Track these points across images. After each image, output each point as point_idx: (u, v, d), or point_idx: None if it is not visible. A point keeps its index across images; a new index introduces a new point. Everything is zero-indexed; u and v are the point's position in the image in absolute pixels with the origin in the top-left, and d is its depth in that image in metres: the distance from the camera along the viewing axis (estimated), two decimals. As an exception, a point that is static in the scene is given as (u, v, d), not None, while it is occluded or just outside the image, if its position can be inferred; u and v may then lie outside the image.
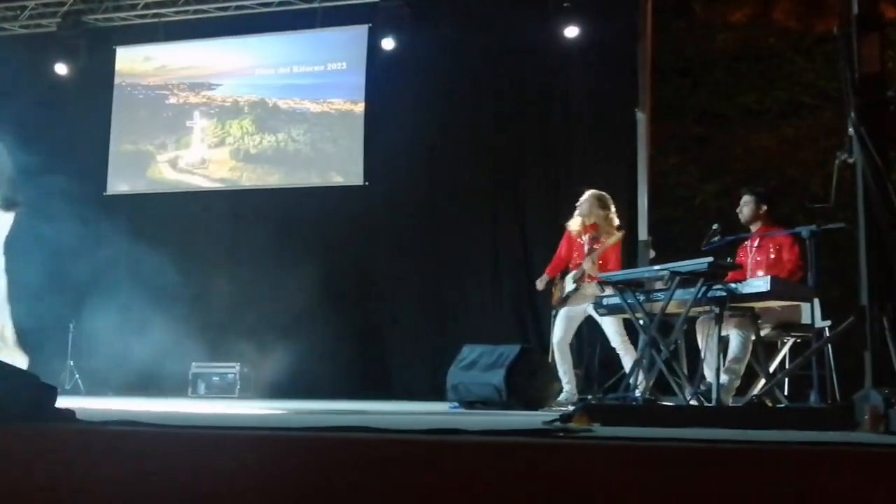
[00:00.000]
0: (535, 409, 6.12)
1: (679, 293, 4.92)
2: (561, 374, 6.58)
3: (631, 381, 5.25)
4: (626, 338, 6.39)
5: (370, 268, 9.60)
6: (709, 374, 5.13)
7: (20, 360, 5.37)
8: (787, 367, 5.50)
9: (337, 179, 9.80)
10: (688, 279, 4.92)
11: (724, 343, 5.20)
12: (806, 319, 5.44)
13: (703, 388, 5.01)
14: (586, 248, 6.66)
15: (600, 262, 6.59)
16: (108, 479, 2.10)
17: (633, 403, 4.84)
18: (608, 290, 5.79)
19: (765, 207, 5.76)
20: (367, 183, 9.54)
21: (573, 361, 6.70)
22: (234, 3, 10.00)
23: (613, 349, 6.48)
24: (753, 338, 5.22)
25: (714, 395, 4.83)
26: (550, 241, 8.74)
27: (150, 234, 9.27)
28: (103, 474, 2.11)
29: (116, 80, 10.52)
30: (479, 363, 6.53)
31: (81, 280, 8.94)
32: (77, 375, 9.04)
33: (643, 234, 8.14)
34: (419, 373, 9.04)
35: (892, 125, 3.71)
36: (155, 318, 8.62)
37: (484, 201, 9.29)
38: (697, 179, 8.62)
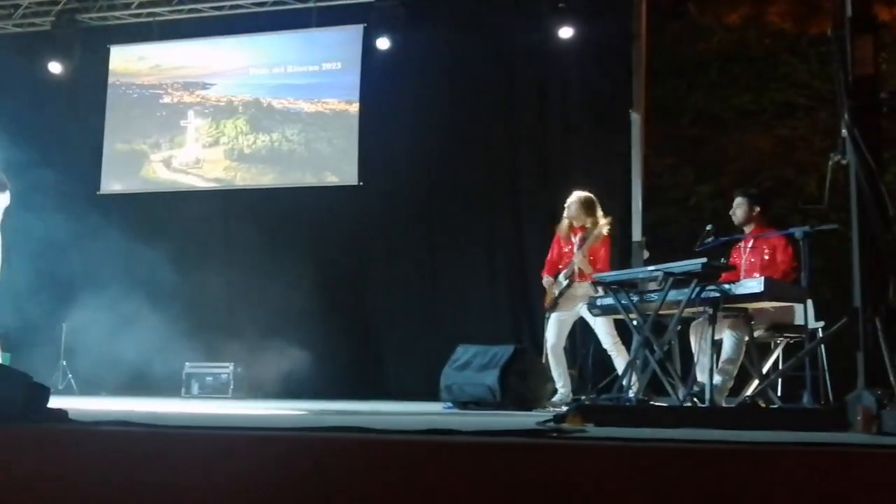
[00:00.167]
0: (529, 410, 6.12)
1: (673, 294, 4.92)
2: (555, 377, 6.59)
3: (624, 381, 5.26)
4: (618, 339, 6.39)
5: (364, 268, 9.59)
6: (702, 374, 5.13)
7: None
8: (780, 367, 5.51)
9: (331, 179, 9.78)
10: (682, 280, 4.92)
11: (717, 344, 5.21)
12: (799, 320, 5.46)
13: (696, 388, 5.01)
14: (576, 247, 6.67)
15: (590, 257, 6.59)
16: (101, 479, 2.09)
17: (627, 404, 4.84)
18: (601, 291, 5.79)
19: (758, 209, 5.77)
20: (361, 183, 9.53)
21: (567, 362, 6.71)
22: (228, 3, 9.98)
23: (606, 350, 6.48)
24: (747, 339, 5.23)
25: (707, 396, 4.84)
26: (545, 242, 8.74)
27: (143, 234, 9.25)
28: (96, 474, 2.11)
29: (110, 80, 10.49)
30: (473, 364, 6.53)
31: (74, 280, 8.92)
32: (70, 375, 9.01)
33: (637, 234, 8.15)
34: (413, 373, 9.04)
35: (886, 127, 3.72)
36: (148, 318, 8.60)
37: (479, 202, 9.29)
38: (692, 180, 8.64)
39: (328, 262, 9.51)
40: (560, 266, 6.83)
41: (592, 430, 3.05)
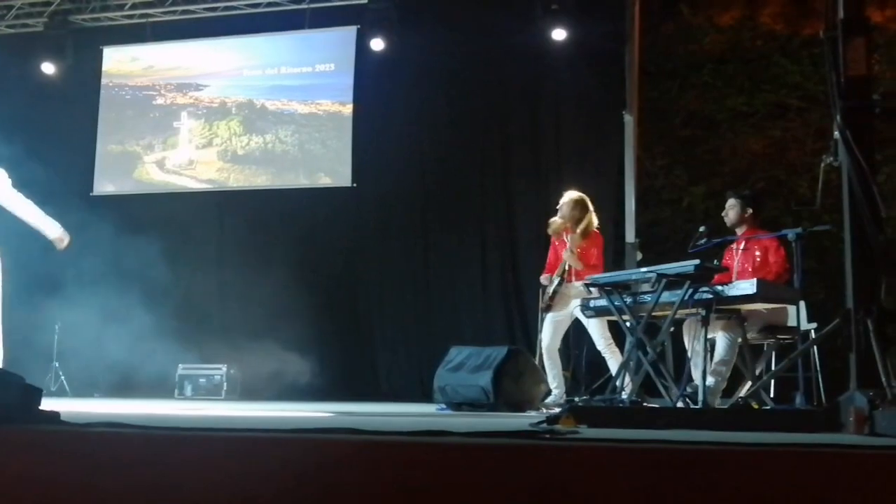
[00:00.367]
0: (522, 411, 6.12)
1: (666, 295, 4.93)
2: (550, 378, 6.59)
3: (618, 383, 5.27)
4: (611, 341, 6.40)
5: (358, 269, 9.59)
6: (695, 376, 5.14)
7: None
8: (772, 369, 5.52)
9: (325, 181, 9.78)
10: (674, 281, 4.93)
11: (710, 345, 5.22)
12: (792, 322, 5.47)
13: (689, 389, 5.02)
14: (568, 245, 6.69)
15: (581, 255, 6.59)
16: (93, 481, 2.09)
17: (620, 405, 4.85)
18: (595, 292, 5.79)
19: (750, 210, 5.78)
20: (355, 184, 9.53)
21: (561, 364, 6.71)
22: (221, 4, 9.97)
23: (600, 352, 6.49)
24: (740, 340, 5.24)
25: (700, 397, 4.85)
26: (539, 244, 8.76)
27: (136, 236, 9.21)
28: (88, 476, 2.10)
29: (103, 81, 10.47)
30: (467, 365, 6.53)
31: (67, 281, 8.89)
32: (62, 377, 8.99)
33: (630, 236, 8.16)
34: (406, 374, 9.04)
35: (878, 129, 3.73)
36: (141, 319, 8.57)
37: (472, 203, 9.29)
38: (685, 181, 8.65)
39: (322, 264, 9.52)
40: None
41: (585, 431, 3.05)
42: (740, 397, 4.99)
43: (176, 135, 10.27)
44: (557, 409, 5.14)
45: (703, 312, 4.88)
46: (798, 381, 5.27)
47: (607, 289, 5.33)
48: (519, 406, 6.25)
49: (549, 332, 6.64)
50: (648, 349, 5.00)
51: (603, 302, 5.46)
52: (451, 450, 2.11)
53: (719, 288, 4.93)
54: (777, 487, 1.80)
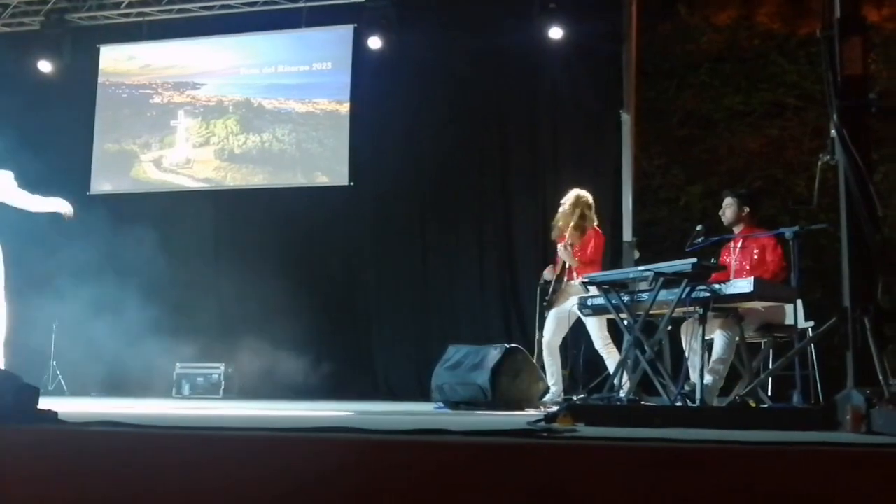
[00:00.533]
0: (520, 410, 6.12)
1: (663, 294, 4.94)
2: (549, 374, 6.59)
3: (615, 381, 5.27)
4: (609, 340, 6.40)
5: (355, 268, 9.59)
6: (693, 374, 5.15)
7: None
8: (770, 367, 5.53)
9: (322, 179, 9.77)
10: (672, 280, 4.94)
11: (707, 344, 5.23)
12: (789, 320, 5.48)
13: (686, 388, 5.03)
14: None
15: (578, 250, 6.60)
16: (90, 480, 2.09)
17: (618, 404, 4.85)
18: (593, 290, 5.79)
19: (747, 209, 5.79)
20: (352, 183, 9.52)
21: (561, 362, 6.71)
22: (218, 3, 9.96)
23: (597, 350, 6.49)
24: (737, 338, 5.24)
25: (698, 396, 4.85)
26: (536, 243, 8.78)
27: (133, 235, 9.21)
28: (85, 475, 2.10)
29: (100, 79, 10.46)
30: (464, 363, 6.53)
31: (64, 280, 8.88)
32: (60, 376, 8.98)
33: (628, 234, 8.16)
34: (404, 373, 9.04)
35: (875, 127, 3.73)
36: (139, 318, 8.57)
37: (469, 202, 9.29)
38: (682, 180, 8.66)
39: (319, 263, 9.51)
40: None
41: (583, 429, 3.06)
42: (738, 396, 4.99)
43: (173, 133, 10.26)
44: (555, 408, 5.15)
45: (700, 311, 4.88)
46: (795, 380, 5.28)
47: (605, 287, 5.33)
48: (517, 404, 6.25)
49: (551, 328, 6.63)
50: (646, 348, 5.01)
51: (600, 300, 5.46)
52: (449, 448, 2.11)
53: (717, 286, 4.93)
54: (774, 485, 1.81)
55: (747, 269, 5.61)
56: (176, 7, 10.09)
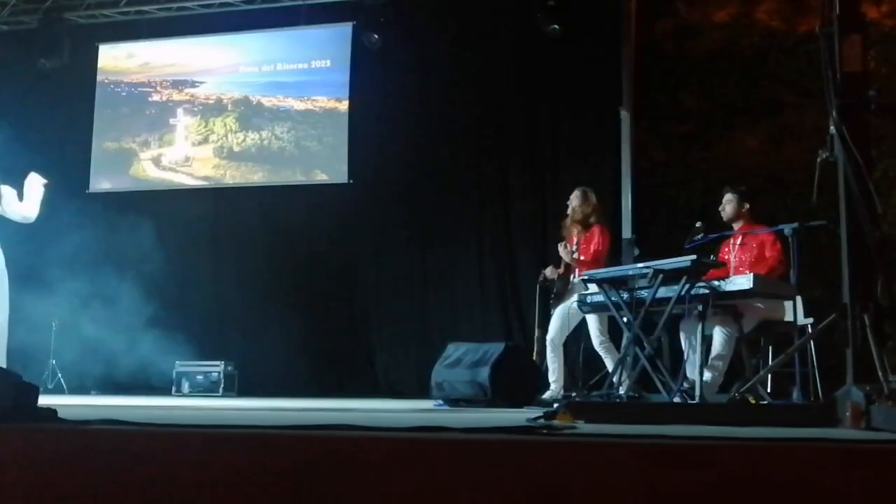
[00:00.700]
0: (520, 407, 6.12)
1: (663, 291, 4.94)
2: (550, 371, 6.57)
3: (615, 378, 5.28)
4: (608, 338, 6.40)
5: (355, 266, 9.59)
6: (692, 371, 5.15)
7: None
8: (769, 364, 5.53)
9: (321, 177, 9.77)
10: (671, 277, 4.94)
11: (707, 340, 5.23)
12: (788, 317, 5.48)
13: (686, 385, 5.03)
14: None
15: (583, 245, 6.61)
16: (90, 478, 2.09)
17: (617, 401, 4.86)
18: (592, 287, 5.80)
19: (747, 205, 5.80)
20: (351, 181, 9.52)
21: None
22: (217, 1, 9.95)
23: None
24: (736, 335, 5.25)
25: (697, 392, 4.86)
26: (535, 240, 8.79)
27: (132, 233, 9.21)
28: (85, 474, 2.10)
29: (99, 78, 10.45)
30: (464, 361, 6.53)
31: (64, 278, 8.88)
32: (59, 374, 8.98)
33: (627, 232, 8.17)
34: (404, 371, 9.05)
35: (874, 124, 3.73)
36: (139, 316, 8.58)
37: (469, 199, 9.29)
38: (681, 177, 8.65)
39: (318, 261, 9.51)
40: None
41: (583, 426, 3.06)
42: (737, 392, 5.00)
43: (172, 132, 10.25)
44: (555, 405, 5.15)
45: (699, 308, 4.89)
46: (795, 377, 5.28)
47: (604, 284, 5.34)
48: (516, 401, 6.25)
49: (557, 324, 6.63)
50: (645, 344, 5.01)
51: (600, 297, 5.46)
52: (448, 446, 2.11)
53: (716, 283, 4.94)
54: (774, 482, 1.81)
55: (746, 265, 5.62)
56: (175, 5, 10.09)
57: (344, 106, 9.68)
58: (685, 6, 8.98)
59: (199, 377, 8.96)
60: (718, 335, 5.28)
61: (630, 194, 8.31)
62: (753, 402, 4.95)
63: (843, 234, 3.60)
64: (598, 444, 2.12)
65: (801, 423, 3.26)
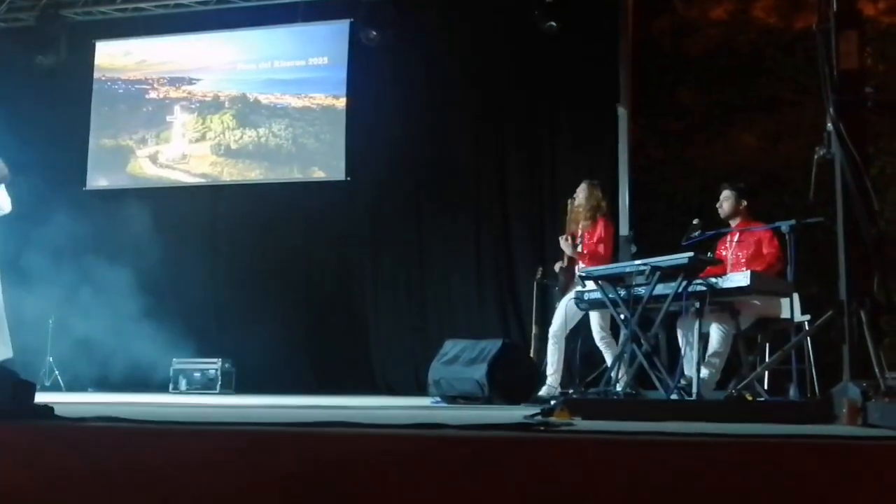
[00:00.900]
0: (517, 404, 6.13)
1: (660, 288, 4.94)
2: (549, 363, 6.54)
3: (612, 375, 5.28)
4: (609, 333, 6.40)
5: (352, 263, 9.59)
6: (689, 368, 5.16)
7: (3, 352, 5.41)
8: (766, 360, 5.54)
9: (318, 174, 9.76)
10: (668, 274, 4.94)
11: (704, 337, 5.24)
12: (785, 314, 5.48)
13: (683, 382, 5.04)
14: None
15: (585, 245, 6.60)
16: (87, 475, 2.09)
17: (615, 398, 4.86)
18: (590, 284, 5.80)
19: (745, 202, 5.80)
20: (348, 178, 9.52)
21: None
22: (214, -3, 9.95)
23: (595, 343, 6.48)
24: (733, 332, 5.25)
25: (694, 389, 4.86)
26: (533, 237, 8.79)
27: (129, 230, 9.22)
28: (82, 471, 2.10)
29: (96, 75, 10.44)
30: (461, 358, 6.53)
31: (61, 275, 8.88)
32: (56, 371, 8.97)
33: (625, 229, 8.17)
34: (401, 368, 9.05)
35: (871, 121, 3.74)
36: (136, 314, 8.57)
37: (466, 196, 9.29)
38: (679, 174, 8.65)
39: (316, 258, 9.51)
40: None
41: (580, 423, 3.06)
42: (734, 389, 5.00)
43: (169, 129, 10.24)
44: (552, 402, 5.15)
45: (696, 304, 4.89)
46: (792, 373, 5.29)
47: (601, 281, 5.34)
48: (513, 399, 6.25)
49: (560, 319, 6.61)
50: (643, 341, 5.01)
51: (597, 294, 5.47)
52: (445, 442, 2.11)
53: (713, 280, 4.94)
54: (770, 478, 1.81)
55: (744, 262, 5.62)
56: (172, 2, 10.07)
57: (341, 103, 9.67)
58: (682, 3, 8.98)
59: (197, 374, 8.95)
60: (715, 332, 5.28)
61: (627, 191, 8.31)
62: (750, 398, 4.95)
63: (840, 231, 3.60)
64: (595, 440, 2.13)
65: (797, 420, 3.27)
